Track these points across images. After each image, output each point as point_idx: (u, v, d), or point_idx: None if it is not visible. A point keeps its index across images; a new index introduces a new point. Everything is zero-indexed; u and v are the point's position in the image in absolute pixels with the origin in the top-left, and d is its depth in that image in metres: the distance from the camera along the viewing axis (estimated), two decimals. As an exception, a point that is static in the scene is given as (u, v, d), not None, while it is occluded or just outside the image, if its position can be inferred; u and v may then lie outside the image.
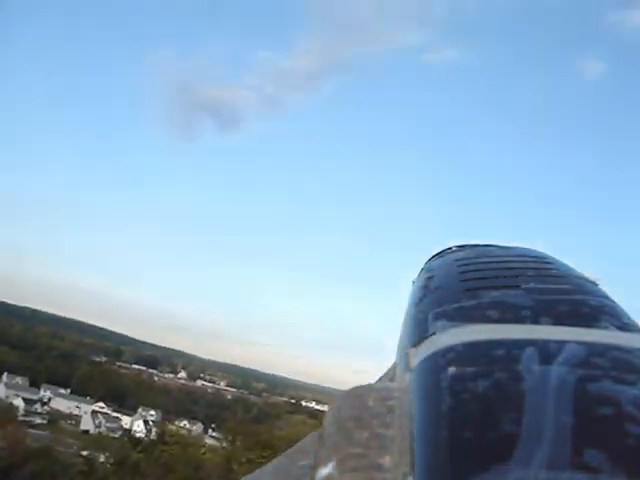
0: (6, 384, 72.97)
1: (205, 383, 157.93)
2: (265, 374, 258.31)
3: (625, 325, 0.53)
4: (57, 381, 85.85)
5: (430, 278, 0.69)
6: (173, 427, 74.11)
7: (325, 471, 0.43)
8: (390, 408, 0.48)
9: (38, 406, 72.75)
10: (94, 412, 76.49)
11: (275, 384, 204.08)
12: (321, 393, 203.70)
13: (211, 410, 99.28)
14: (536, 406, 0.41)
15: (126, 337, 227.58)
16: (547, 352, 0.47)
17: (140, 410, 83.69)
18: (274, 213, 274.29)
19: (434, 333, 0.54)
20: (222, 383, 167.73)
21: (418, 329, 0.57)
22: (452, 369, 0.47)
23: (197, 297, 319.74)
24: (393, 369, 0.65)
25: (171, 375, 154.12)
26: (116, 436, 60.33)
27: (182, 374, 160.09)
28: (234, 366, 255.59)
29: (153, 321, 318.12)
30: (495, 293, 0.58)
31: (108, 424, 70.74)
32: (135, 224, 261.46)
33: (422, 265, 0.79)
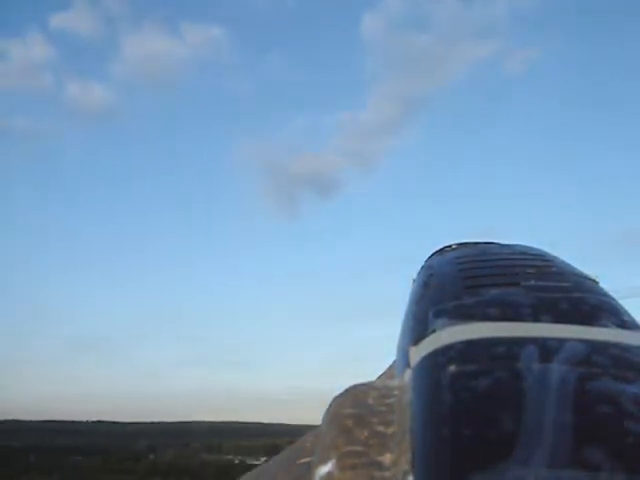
0: None
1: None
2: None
3: (625, 323, 0.53)
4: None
5: (430, 276, 0.68)
6: None
7: (325, 469, 0.43)
8: (390, 406, 0.48)
9: None
10: None
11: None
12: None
13: None
14: (536, 404, 0.41)
15: (284, 426, 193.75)
16: (547, 350, 0.47)
17: None
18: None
19: (434, 331, 0.53)
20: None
21: (418, 327, 0.57)
22: (452, 367, 0.47)
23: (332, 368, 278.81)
24: (393, 367, 0.64)
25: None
26: None
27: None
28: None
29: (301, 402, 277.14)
30: (495, 291, 0.58)
31: None
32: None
33: (422, 263, 0.78)
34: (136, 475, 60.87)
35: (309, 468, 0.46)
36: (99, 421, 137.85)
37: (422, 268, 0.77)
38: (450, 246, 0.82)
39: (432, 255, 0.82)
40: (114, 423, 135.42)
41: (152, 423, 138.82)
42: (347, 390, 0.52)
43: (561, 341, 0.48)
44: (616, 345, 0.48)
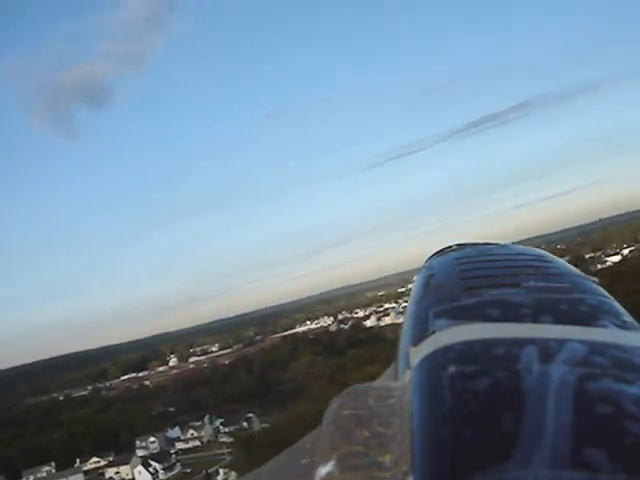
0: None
1: (198, 358, 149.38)
2: (252, 314, 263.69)
3: (624, 323, 0.53)
4: (37, 458, 68.77)
5: (430, 276, 0.70)
6: (182, 445, 69.36)
7: (325, 469, 0.43)
8: (390, 407, 0.49)
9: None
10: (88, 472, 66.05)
11: (265, 321, 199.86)
12: (310, 307, 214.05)
13: (216, 390, 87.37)
14: (536, 405, 0.42)
15: (108, 348, 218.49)
16: (547, 351, 0.47)
17: (137, 445, 71.95)
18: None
19: (434, 331, 0.54)
20: (215, 348, 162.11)
21: (418, 327, 0.58)
22: (452, 367, 0.47)
23: (150, 275, 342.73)
24: (394, 368, 0.66)
25: (162, 368, 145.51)
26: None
27: (173, 360, 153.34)
28: (221, 320, 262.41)
29: (121, 317, 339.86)
30: (495, 292, 0.59)
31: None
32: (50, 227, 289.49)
33: (423, 263, 0.80)
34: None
35: (309, 469, 0.65)
36: None
37: (422, 269, 0.78)
38: (450, 247, 0.83)
39: (432, 256, 0.83)
40: None
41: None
42: (347, 391, 0.53)
43: (561, 342, 0.48)
44: (615, 346, 0.48)
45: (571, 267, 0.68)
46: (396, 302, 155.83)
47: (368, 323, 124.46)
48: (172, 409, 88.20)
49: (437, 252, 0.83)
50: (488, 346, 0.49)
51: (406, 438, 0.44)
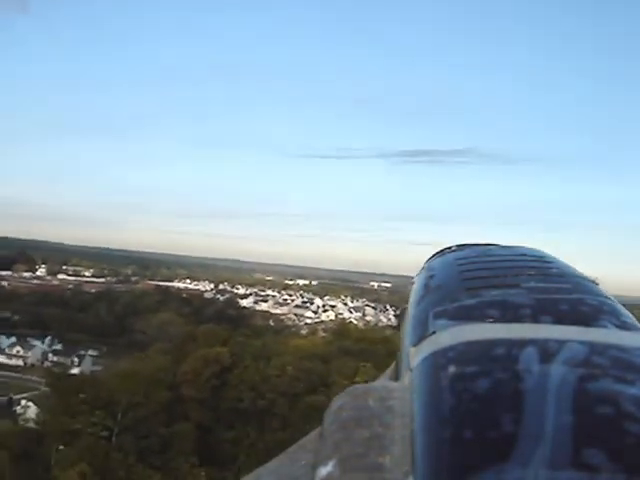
0: None
1: (67, 277, 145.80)
2: (138, 254, 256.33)
3: (625, 324, 0.53)
4: None
5: (431, 277, 0.69)
6: (3, 359, 64.33)
7: (325, 470, 0.43)
8: (390, 407, 0.48)
9: None
10: None
11: (147, 265, 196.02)
12: (196, 267, 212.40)
13: (64, 313, 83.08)
14: (536, 405, 0.42)
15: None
16: (547, 351, 0.47)
17: None
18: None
19: (434, 332, 0.54)
20: (88, 273, 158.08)
21: (418, 328, 0.58)
22: (452, 368, 0.47)
23: (50, 180, 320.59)
24: (394, 368, 0.66)
25: (27, 274, 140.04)
26: None
27: (42, 270, 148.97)
28: (105, 250, 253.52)
29: (6, 212, 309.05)
30: (495, 292, 0.59)
31: None
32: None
33: (423, 264, 0.80)
34: None
35: (309, 469, 0.46)
36: None
37: (422, 269, 0.78)
38: (450, 247, 0.82)
39: (432, 256, 0.82)
40: None
41: None
42: (348, 391, 0.52)
43: (561, 342, 0.48)
44: (616, 346, 0.48)
45: (572, 267, 0.68)
46: (279, 292, 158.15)
47: (244, 302, 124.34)
48: (17, 317, 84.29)
49: (437, 252, 0.83)
50: (488, 346, 0.49)
51: (406, 439, 0.44)
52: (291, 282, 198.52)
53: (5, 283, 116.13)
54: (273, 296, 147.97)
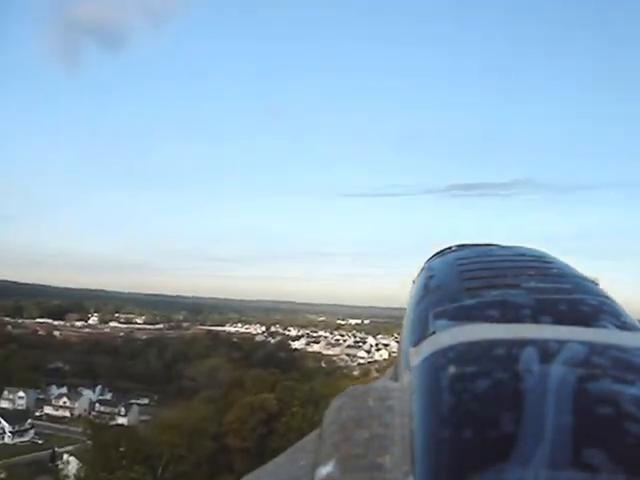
0: None
1: (118, 325, 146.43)
2: (191, 299, 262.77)
3: (624, 324, 0.53)
4: None
5: (430, 277, 0.69)
6: (50, 410, 63.93)
7: (325, 470, 0.43)
8: (390, 408, 0.48)
9: None
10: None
11: (200, 310, 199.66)
12: (248, 310, 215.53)
13: (114, 362, 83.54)
14: (536, 405, 0.42)
15: (34, 287, 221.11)
16: (547, 351, 0.47)
17: (5, 395, 66.42)
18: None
19: (434, 332, 0.54)
20: (140, 320, 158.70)
21: (418, 328, 0.57)
22: (452, 368, 0.47)
23: (108, 230, 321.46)
24: (394, 369, 0.66)
25: (79, 323, 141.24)
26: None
27: (94, 319, 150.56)
28: (159, 296, 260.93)
29: (63, 263, 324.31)
30: (495, 292, 0.58)
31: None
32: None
33: (422, 264, 0.80)
34: None
35: (309, 469, 0.45)
36: None
37: (422, 269, 0.77)
38: (450, 248, 0.82)
39: (432, 256, 0.82)
40: None
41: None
42: (347, 392, 0.52)
43: (561, 343, 0.48)
44: (616, 347, 0.48)
45: (572, 268, 0.68)
46: (331, 332, 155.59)
47: (296, 344, 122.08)
48: (67, 367, 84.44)
49: (437, 253, 0.83)
50: (488, 347, 0.49)
51: (406, 439, 0.44)
52: (343, 322, 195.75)
53: (57, 333, 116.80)
54: (325, 337, 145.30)
